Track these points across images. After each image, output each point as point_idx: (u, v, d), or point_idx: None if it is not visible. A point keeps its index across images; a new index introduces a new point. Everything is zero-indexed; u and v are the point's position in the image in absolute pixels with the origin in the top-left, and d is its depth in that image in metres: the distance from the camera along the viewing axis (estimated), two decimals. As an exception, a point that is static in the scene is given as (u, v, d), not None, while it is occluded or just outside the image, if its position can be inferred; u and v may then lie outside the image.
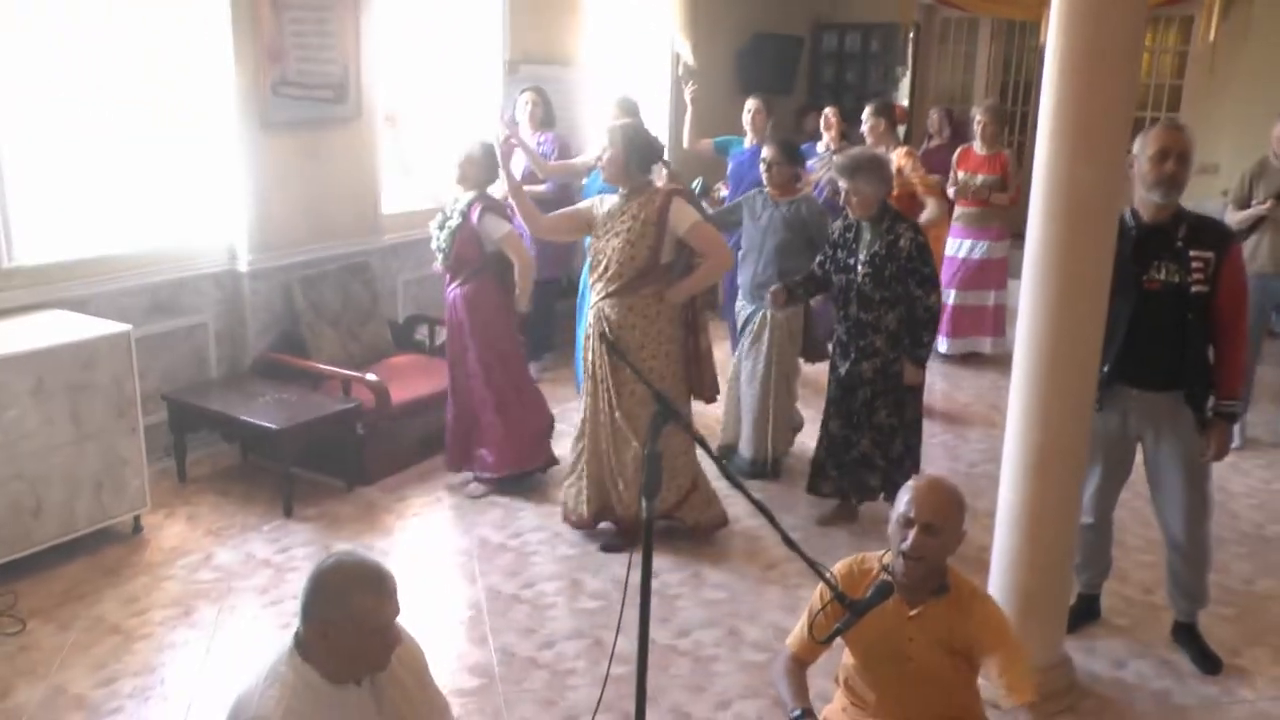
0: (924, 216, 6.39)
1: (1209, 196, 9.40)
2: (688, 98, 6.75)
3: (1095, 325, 3.37)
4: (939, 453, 5.96)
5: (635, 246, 4.35)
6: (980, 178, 7.20)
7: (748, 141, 6.86)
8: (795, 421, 5.74)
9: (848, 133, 7.46)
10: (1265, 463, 5.89)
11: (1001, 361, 7.40)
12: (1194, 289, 3.53)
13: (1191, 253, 3.53)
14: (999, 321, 7.56)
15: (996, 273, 7.47)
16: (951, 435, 6.28)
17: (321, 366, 5.51)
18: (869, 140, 6.41)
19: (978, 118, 7.25)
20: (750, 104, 6.86)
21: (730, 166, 6.91)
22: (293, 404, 5.12)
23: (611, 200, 4.53)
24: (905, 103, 10.61)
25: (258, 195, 5.59)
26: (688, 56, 8.90)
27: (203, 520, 4.90)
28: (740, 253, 5.43)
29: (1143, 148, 3.55)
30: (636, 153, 4.42)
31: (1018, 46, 10.81)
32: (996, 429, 6.27)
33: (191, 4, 5.29)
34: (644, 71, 9.00)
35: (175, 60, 5.35)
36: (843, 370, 4.73)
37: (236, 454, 5.56)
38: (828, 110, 7.27)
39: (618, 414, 4.48)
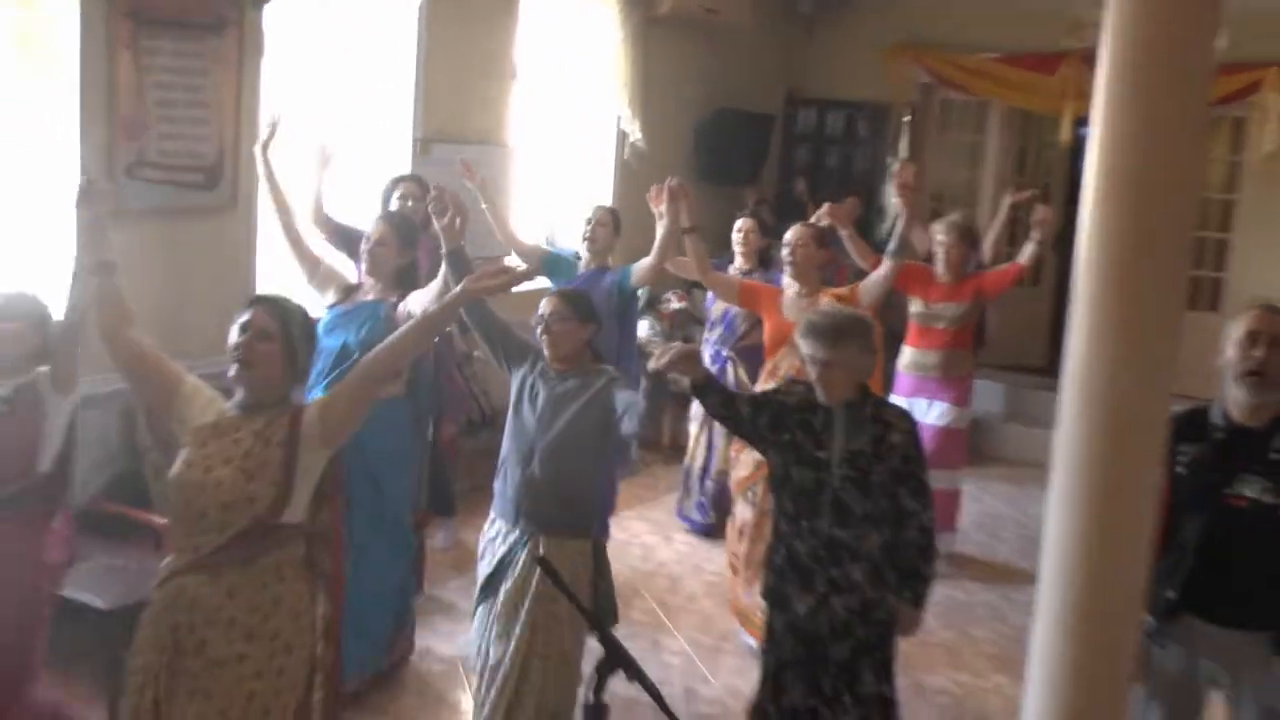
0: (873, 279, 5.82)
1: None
2: (473, 185, 6.19)
3: (1139, 544, 3.45)
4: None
5: (254, 482, 3.35)
6: (943, 307, 6.95)
7: (585, 262, 6.38)
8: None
9: (769, 253, 7.28)
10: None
11: (956, 562, 7.24)
12: None
13: None
14: (952, 511, 7.18)
15: (955, 449, 7.07)
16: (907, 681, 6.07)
17: (166, 521, 5.37)
18: (792, 268, 5.80)
19: (939, 237, 6.97)
20: (593, 214, 6.41)
21: None
22: (127, 573, 4.97)
23: (217, 404, 3.53)
24: (895, 199, 10.86)
25: (99, 301, 5.54)
26: (635, 135, 9.12)
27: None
28: (501, 455, 4.54)
29: (1231, 331, 3.64)
30: (300, 354, 3.53)
31: (1034, 140, 11.10)
32: (965, 670, 6.29)
33: (32, 53, 5.32)
34: (586, 153, 9.19)
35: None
36: (802, 609, 4.15)
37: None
38: (744, 222, 7.18)
39: None
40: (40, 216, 5.46)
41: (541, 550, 4.28)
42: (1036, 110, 10.56)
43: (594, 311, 4.55)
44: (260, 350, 3.39)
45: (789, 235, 5.83)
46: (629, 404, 4.28)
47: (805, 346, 4.12)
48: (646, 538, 7.38)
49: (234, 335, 3.42)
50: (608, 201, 9.06)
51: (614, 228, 6.36)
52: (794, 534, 4.16)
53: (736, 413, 4.26)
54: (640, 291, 8.98)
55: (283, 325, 3.44)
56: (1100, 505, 3.35)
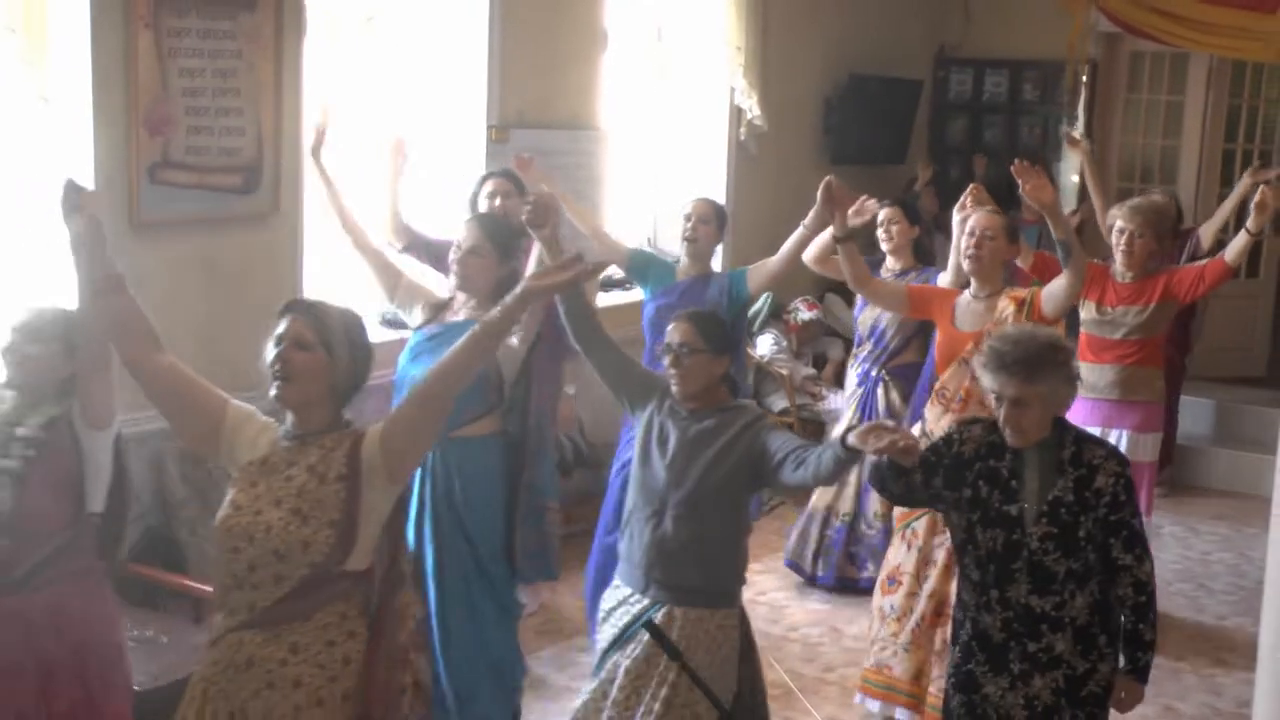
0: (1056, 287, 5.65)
1: None
2: (534, 179, 6.19)
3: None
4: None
5: (310, 525, 3.45)
6: (1123, 312, 6.74)
7: (684, 269, 6.26)
8: None
9: (925, 242, 7.22)
10: None
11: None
12: None
13: None
14: None
15: (1140, 485, 6.53)
16: None
17: (206, 587, 5.32)
18: (974, 263, 5.69)
19: (1119, 224, 6.79)
20: (691, 208, 6.26)
21: (646, 309, 6.26)
22: (159, 647, 5.05)
23: (267, 436, 3.64)
24: (1074, 177, 10.73)
25: (121, 328, 5.63)
26: (753, 111, 9.10)
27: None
28: (625, 511, 4.62)
29: None
30: (359, 370, 3.64)
31: (1248, 96, 10.85)
32: None
33: (36, 37, 5.41)
34: (695, 135, 9.22)
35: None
36: (990, 692, 4.19)
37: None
38: (885, 212, 6.90)
39: None
40: (50, 230, 5.56)
41: (677, 625, 4.29)
42: (1253, 59, 10.34)
43: (731, 341, 4.58)
44: (298, 360, 3.47)
45: (975, 222, 5.69)
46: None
47: (990, 381, 4.10)
48: (775, 594, 7.29)
49: (269, 350, 3.51)
50: (721, 192, 9.07)
51: (718, 224, 6.25)
52: (981, 606, 4.20)
53: (911, 487, 4.26)
54: (763, 300, 9.04)
55: (320, 330, 3.52)
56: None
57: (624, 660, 4.35)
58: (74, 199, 3.64)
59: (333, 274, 6.74)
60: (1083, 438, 4.26)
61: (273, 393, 3.50)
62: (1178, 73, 10.95)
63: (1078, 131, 10.24)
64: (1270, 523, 3.58)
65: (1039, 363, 4.06)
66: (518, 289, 3.61)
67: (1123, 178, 10.86)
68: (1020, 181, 5.43)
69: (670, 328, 4.47)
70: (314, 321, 3.52)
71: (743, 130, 9.18)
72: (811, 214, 5.80)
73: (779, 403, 8.93)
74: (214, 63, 5.77)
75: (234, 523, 3.45)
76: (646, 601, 4.38)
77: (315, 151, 5.52)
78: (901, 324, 6.97)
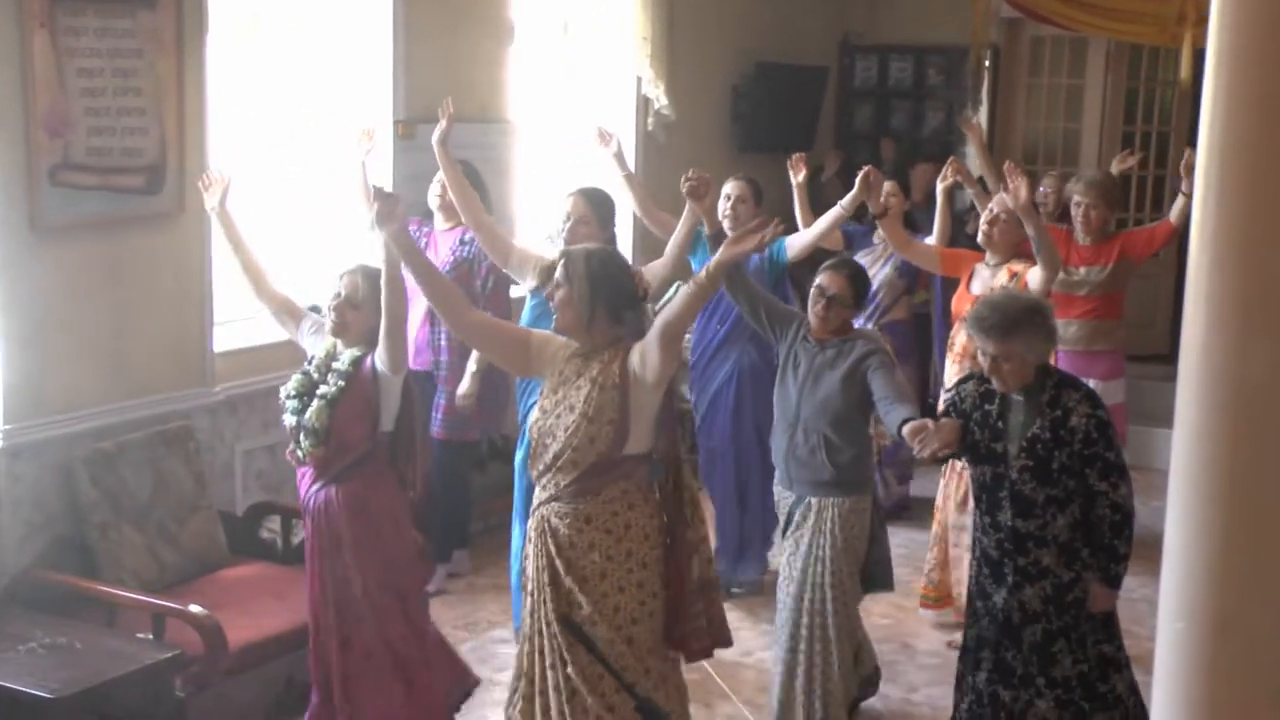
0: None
1: None
2: (610, 154, 6.91)
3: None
4: None
5: (594, 424, 4.47)
6: (1086, 272, 7.53)
7: None
8: (865, 669, 5.83)
9: (913, 213, 7.89)
10: None
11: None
12: None
13: None
14: None
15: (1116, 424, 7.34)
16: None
17: (119, 592, 5.43)
18: (986, 241, 6.62)
19: (1076, 198, 7.64)
20: (729, 189, 6.85)
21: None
22: (73, 654, 5.02)
23: (563, 353, 4.64)
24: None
25: (23, 332, 5.55)
26: (660, 101, 9.14)
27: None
28: (774, 421, 5.60)
29: None
30: (606, 295, 4.52)
31: (1145, 79, 11.01)
32: None
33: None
34: (603, 124, 9.12)
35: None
36: (997, 600, 4.92)
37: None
38: (888, 185, 7.32)
39: (570, 671, 4.51)
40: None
41: (814, 511, 5.38)
42: (1148, 43, 10.48)
43: (868, 295, 5.85)
44: (557, 296, 4.52)
45: (995, 206, 6.59)
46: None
47: (975, 338, 4.83)
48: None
49: None
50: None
51: (755, 200, 6.77)
52: (980, 529, 5.00)
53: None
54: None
55: (568, 269, 4.51)
56: (1228, 523, 3.25)
57: (793, 554, 5.45)
58: (389, 207, 4.57)
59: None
60: (1062, 382, 4.90)
61: (554, 323, 4.61)
62: (1077, 57, 11.10)
63: (973, 117, 10.43)
64: (1168, 496, 3.64)
65: (1014, 324, 4.72)
66: (717, 256, 4.45)
67: (1026, 161, 10.84)
68: (1007, 181, 6.21)
69: (826, 276, 5.43)
70: (566, 263, 4.54)
71: (650, 120, 9.24)
72: (849, 196, 6.53)
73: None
74: (113, 62, 5.71)
75: (542, 424, 4.55)
76: (793, 495, 5.48)
77: (443, 142, 6.27)
78: (892, 285, 7.99)
